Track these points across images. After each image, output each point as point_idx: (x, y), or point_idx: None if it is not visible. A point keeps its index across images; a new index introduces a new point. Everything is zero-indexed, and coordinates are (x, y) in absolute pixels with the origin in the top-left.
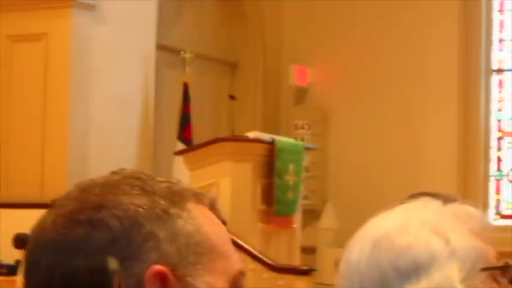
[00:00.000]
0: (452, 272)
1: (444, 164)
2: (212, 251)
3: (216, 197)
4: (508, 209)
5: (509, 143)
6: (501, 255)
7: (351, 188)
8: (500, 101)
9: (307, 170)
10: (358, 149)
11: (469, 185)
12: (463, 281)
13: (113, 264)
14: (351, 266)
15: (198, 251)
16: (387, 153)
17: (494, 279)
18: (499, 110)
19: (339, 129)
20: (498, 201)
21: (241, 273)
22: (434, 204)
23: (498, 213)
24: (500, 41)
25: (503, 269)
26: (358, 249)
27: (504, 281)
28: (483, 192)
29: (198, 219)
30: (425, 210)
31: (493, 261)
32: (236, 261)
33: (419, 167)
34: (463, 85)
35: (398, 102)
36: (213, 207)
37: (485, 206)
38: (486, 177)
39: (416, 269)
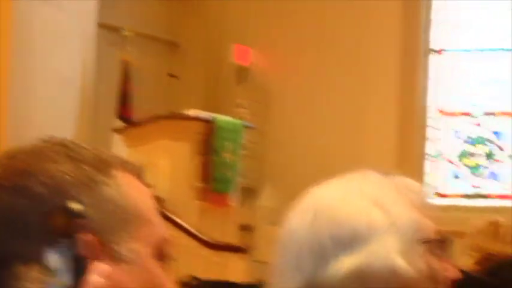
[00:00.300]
0: (391, 243)
1: (383, 144)
2: (137, 218)
3: (143, 166)
4: (445, 187)
5: (447, 122)
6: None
7: (290, 167)
8: (438, 81)
9: (245, 149)
10: (297, 129)
11: (407, 164)
12: (402, 253)
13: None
14: (290, 234)
15: (124, 218)
16: (326, 133)
17: (432, 252)
18: (438, 90)
19: (279, 109)
20: (435, 180)
21: (166, 240)
22: (375, 177)
23: (435, 192)
24: (440, 22)
25: (442, 242)
26: (298, 218)
27: (441, 253)
28: (421, 171)
29: (124, 187)
30: (366, 182)
31: (432, 235)
32: (161, 228)
33: (358, 147)
34: (403, 65)
35: (338, 82)
36: (139, 175)
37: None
38: (422, 156)
39: (356, 240)
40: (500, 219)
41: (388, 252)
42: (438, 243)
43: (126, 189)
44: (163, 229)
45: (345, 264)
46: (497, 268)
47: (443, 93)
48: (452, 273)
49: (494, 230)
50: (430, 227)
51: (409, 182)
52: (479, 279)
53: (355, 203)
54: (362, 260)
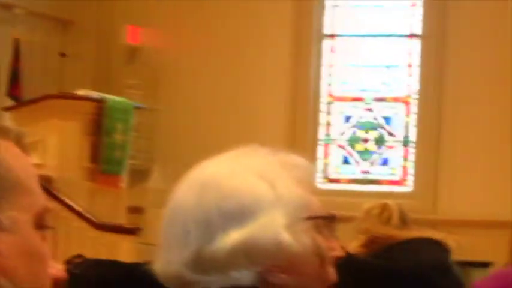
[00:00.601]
0: (277, 217)
1: (275, 129)
2: (17, 186)
3: (23, 132)
4: (336, 173)
5: (338, 107)
6: None
7: (180, 149)
8: (330, 66)
9: (136, 130)
10: (188, 110)
11: (299, 149)
12: (287, 227)
13: None
14: (176, 206)
15: (2, 186)
16: (217, 115)
17: (317, 229)
18: (330, 75)
19: (170, 90)
20: (326, 165)
21: (46, 210)
22: (262, 152)
23: (326, 177)
24: (333, 6)
25: (327, 219)
26: (184, 190)
27: (326, 231)
28: (312, 156)
29: (3, 154)
30: (253, 156)
31: (317, 211)
32: (41, 197)
33: (250, 131)
34: (296, 50)
35: (230, 65)
36: (19, 142)
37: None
38: (315, 141)
39: (242, 213)
40: (389, 202)
41: (274, 226)
42: (323, 221)
43: (5, 156)
44: (43, 198)
45: (232, 237)
46: (383, 251)
47: (335, 78)
48: (337, 251)
49: (382, 212)
50: (315, 204)
51: (296, 159)
52: (362, 260)
53: (242, 177)
54: (248, 233)
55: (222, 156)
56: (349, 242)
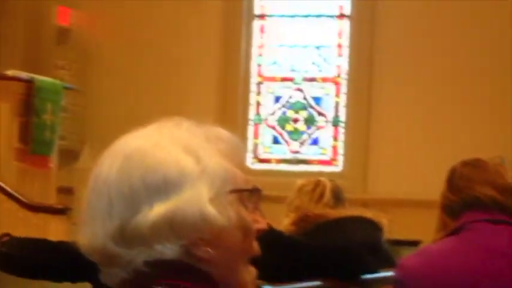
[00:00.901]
0: (202, 190)
1: (205, 109)
2: None
3: None
4: (266, 153)
5: (268, 88)
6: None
7: (109, 130)
8: (260, 46)
9: (65, 111)
10: (117, 90)
11: (228, 129)
12: (212, 200)
13: None
14: (100, 179)
15: None
16: (146, 97)
17: (242, 203)
18: (260, 55)
19: (100, 71)
20: (256, 145)
21: None
22: (187, 124)
23: (256, 157)
24: None
25: (251, 192)
26: (108, 163)
27: (250, 205)
28: (242, 136)
29: None
30: (178, 129)
31: (242, 185)
32: None
33: (179, 111)
34: (226, 30)
35: (159, 46)
36: None
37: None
38: (245, 121)
39: (166, 186)
40: (322, 179)
41: (199, 199)
42: (248, 194)
43: None
44: None
45: (156, 210)
46: (314, 229)
47: (265, 58)
48: (261, 225)
49: (314, 189)
50: (240, 177)
51: (222, 132)
52: (284, 234)
53: (166, 149)
54: (173, 206)
55: (145, 128)
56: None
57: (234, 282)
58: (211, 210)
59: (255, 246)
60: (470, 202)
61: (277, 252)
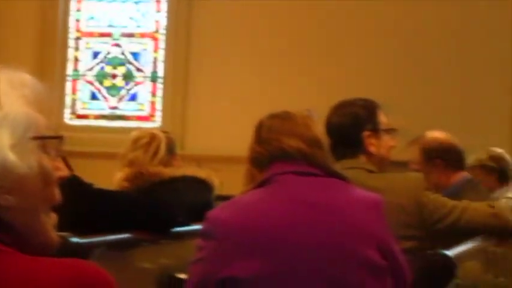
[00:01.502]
0: (2, 137)
1: (21, 63)
2: None
3: None
4: (84, 108)
5: (86, 43)
6: (77, 155)
7: None
8: (79, 1)
9: None
10: None
11: (46, 84)
12: (13, 147)
13: None
14: None
15: None
16: None
17: (45, 150)
18: (78, 10)
19: None
20: (74, 101)
21: None
22: None
23: (73, 113)
24: None
25: (54, 139)
26: None
27: (53, 152)
28: (60, 91)
29: None
30: None
31: (44, 131)
32: None
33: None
34: None
35: None
36: None
37: (61, 106)
38: (63, 76)
39: None
40: (157, 132)
41: (1, 146)
42: (50, 141)
43: None
44: None
45: None
46: (148, 188)
47: (83, 13)
48: (63, 172)
49: (150, 143)
50: (43, 124)
51: (27, 77)
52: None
53: None
54: None
55: None
56: (114, 173)
57: (35, 230)
58: (11, 157)
59: (57, 193)
60: (277, 154)
61: (80, 200)
